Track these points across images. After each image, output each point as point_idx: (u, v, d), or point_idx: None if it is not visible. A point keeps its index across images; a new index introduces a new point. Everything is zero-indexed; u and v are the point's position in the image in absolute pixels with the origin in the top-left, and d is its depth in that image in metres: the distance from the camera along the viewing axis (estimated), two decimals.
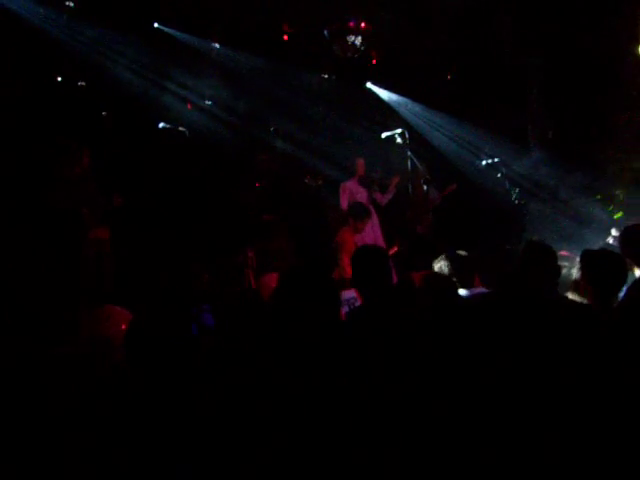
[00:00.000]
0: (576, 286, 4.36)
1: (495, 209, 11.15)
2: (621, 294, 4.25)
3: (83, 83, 9.87)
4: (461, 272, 4.88)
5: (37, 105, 8.94)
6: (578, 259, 4.40)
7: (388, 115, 12.81)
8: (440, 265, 4.96)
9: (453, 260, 4.92)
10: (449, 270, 4.88)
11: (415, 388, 3.09)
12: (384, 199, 9.85)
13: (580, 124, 11.11)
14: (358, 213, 8.17)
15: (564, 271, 4.65)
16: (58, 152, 8.16)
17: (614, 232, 6.57)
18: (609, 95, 10.58)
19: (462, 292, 4.78)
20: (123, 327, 3.41)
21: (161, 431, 2.79)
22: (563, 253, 6.93)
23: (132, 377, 3.10)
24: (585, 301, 4.24)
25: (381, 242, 8.95)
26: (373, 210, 9.31)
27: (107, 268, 7.91)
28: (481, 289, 5.03)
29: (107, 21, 9.45)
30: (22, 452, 2.85)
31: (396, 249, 8.75)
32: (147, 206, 8.93)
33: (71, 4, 9.11)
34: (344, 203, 9.53)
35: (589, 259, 4.34)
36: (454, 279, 4.78)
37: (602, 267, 4.25)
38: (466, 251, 5.05)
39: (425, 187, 9.81)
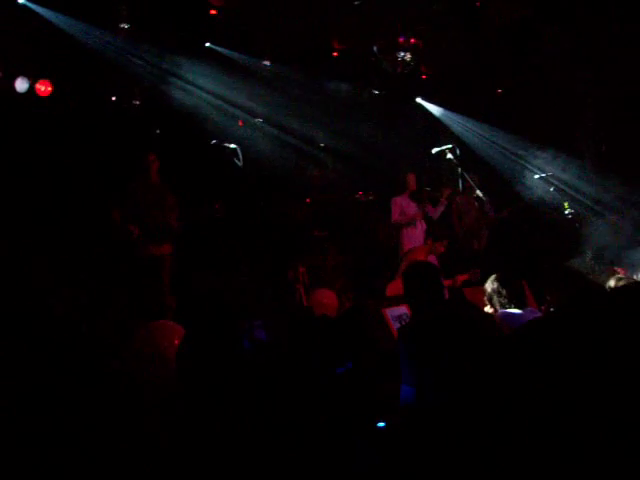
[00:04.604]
0: None
1: (548, 224, 11.01)
2: None
3: (137, 102, 10.06)
4: (513, 292, 4.84)
5: (93, 124, 9.13)
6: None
7: (438, 130, 12.77)
8: (492, 285, 4.91)
9: (504, 280, 4.88)
10: (501, 290, 4.84)
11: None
12: (436, 212, 9.79)
13: (634, 137, 10.93)
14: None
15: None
16: (130, 169, 8.33)
17: None
18: None
19: (514, 311, 4.74)
20: (176, 342, 3.44)
21: (212, 445, 2.80)
22: (620, 271, 6.72)
23: (183, 391, 3.13)
24: None
25: (433, 257, 8.89)
26: (425, 225, 9.29)
27: (165, 284, 8.01)
28: (532, 309, 4.98)
29: (160, 42, 9.64)
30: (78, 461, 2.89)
31: (442, 250, 8.58)
32: (199, 223, 9.02)
33: (126, 26, 9.31)
34: (395, 217, 9.52)
35: None
36: (506, 298, 4.76)
37: None
38: (519, 268, 4.99)
39: (480, 199, 9.80)
